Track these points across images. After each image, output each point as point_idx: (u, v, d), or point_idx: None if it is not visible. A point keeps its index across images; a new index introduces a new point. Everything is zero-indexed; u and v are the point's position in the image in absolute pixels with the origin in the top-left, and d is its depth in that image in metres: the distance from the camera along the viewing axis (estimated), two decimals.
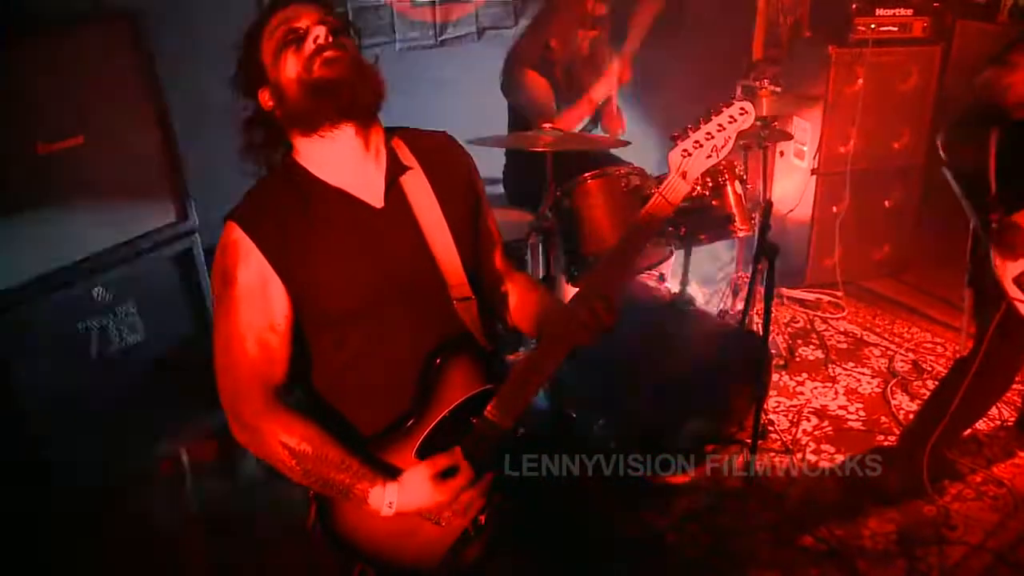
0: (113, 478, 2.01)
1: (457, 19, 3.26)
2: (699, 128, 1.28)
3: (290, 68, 1.22)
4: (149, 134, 2.18)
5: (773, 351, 2.84)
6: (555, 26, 2.74)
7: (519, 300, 1.50)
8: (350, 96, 1.21)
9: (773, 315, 2.53)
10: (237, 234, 1.24)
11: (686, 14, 3.44)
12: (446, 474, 1.24)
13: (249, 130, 1.30)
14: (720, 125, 1.28)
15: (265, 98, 1.26)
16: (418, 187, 1.33)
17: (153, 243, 2.20)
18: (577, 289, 2.55)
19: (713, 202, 2.35)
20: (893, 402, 2.65)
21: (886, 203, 3.40)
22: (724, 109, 1.29)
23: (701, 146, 1.27)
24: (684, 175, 1.26)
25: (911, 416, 2.47)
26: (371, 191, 1.30)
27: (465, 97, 2.96)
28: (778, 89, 2.76)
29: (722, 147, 1.28)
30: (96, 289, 2.07)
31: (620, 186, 2.31)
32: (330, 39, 1.22)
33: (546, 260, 2.48)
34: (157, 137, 2.19)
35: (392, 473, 1.25)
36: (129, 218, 2.14)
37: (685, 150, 1.27)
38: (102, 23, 2.05)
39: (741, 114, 1.28)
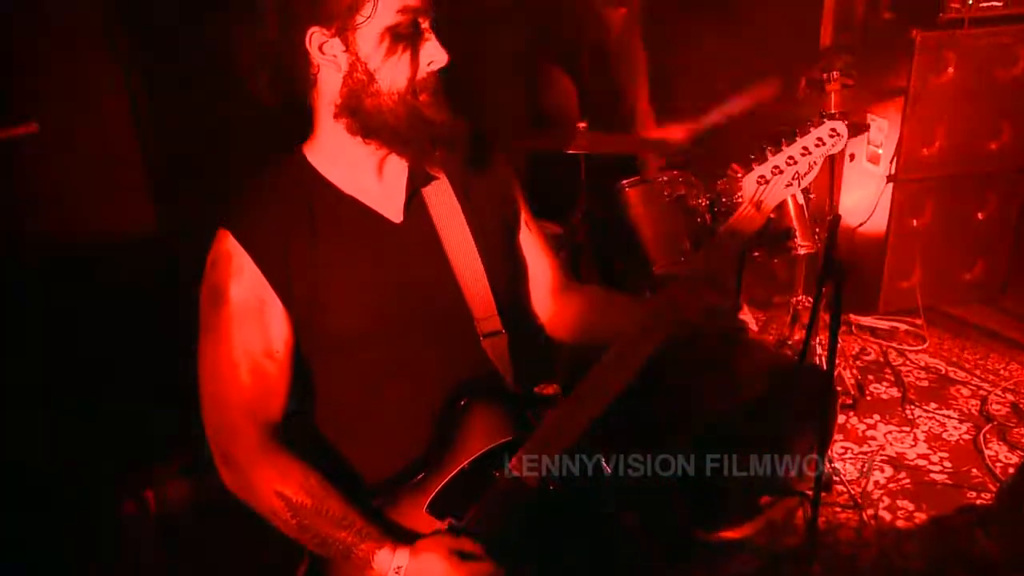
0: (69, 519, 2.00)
1: None
2: (780, 151, 1.25)
3: (397, 71, 1.15)
4: (119, 122, 2.13)
5: (839, 388, 2.77)
6: (577, 7, 2.73)
7: (595, 314, 1.44)
8: (433, 144, 1.19)
9: (840, 346, 2.50)
10: (230, 244, 1.19)
11: None
12: (466, 556, 1.19)
13: (269, 80, 1.19)
14: (805, 148, 1.25)
15: (318, 45, 1.14)
16: (443, 200, 1.29)
17: (121, 251, 2.17)
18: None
19: (770, 214, 2.30)
20: (987, 452, 2.53)
21: (979, 215, 3.30)
22: (811, 129, 1.25)
23: (781, 172, 1.24)
24: (759, 205, 1.24)
25: (1010, 470, 2.39)
26: (389, 203, 1.26)
27: None
28: (850, 81, 2.72)
29: (805, 174, 1.26)
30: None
31: (663, 195, 2.33)
32: (444, 57, 1.18)
33: (577, 278, 2.46)
34: (128, 126, 2.15)
35: (400, 533, 1.20)
36: (91, 218, 2.11)
37: (762, 176, 1.24)
38: None
39: (831, 136, 1.25)
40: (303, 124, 1.26)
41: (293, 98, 1.21)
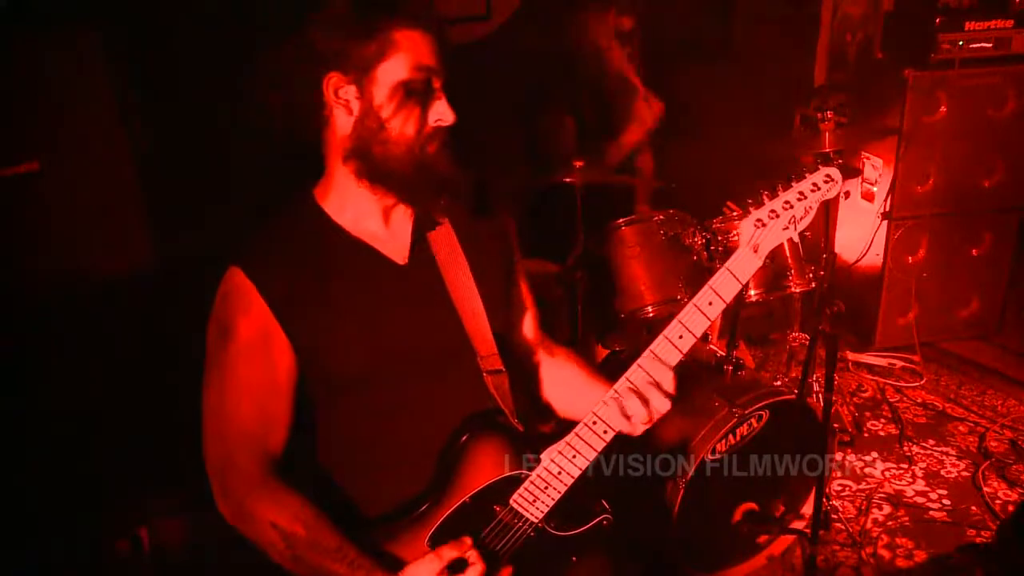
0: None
1: None
2: (777, 196, 1.28)
3: (407, 124, 1.23)
4: (118, 162, 2.15)
5: (836, 425, 2.78)
6: (580, 48, 2.79)
7: (554, 374, 1.52)
8: (438, 194, 1.27)
9: (836, 383, 2.48)
10: (240, 280, 1.23)
11: (734, 33, 3.47)
12: (455, 568, 1.21)
13: (287, 111, 1.26)
14: (801, 193, 1.28)
15: (334, 89, 1.22)
16: (447, 244, 1.35)
17: (118, 288, 2.17)
18: (608, 352, 2.56)
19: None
20: (986, 489, 2.56)
21: (974, 251, 3.35)
22: (807, 176, 1.29)
23: (777, 216, 1.27)
24: (756, 249, 1.26)
25: (1010, 507, 2.41)
26: (395, 245, 1.32)
27: None
28: (844, 120, 2.72)
29: (802, 218, 1.28)
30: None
31: (658, 233, 2.31)
32: (451, 117, 1.25)
33: (573, 318, 2.48)
34: (128, 165, 2.17)
35: (396, 565, 1.22)
36: (91, 257, 2.13)
37: (759, 220, 1.27)
38: (66, 34, 2.03)
39: (826, 182, 1.29)
40: (306, 166, 1.33)
41: (304, 135, 1.28)
